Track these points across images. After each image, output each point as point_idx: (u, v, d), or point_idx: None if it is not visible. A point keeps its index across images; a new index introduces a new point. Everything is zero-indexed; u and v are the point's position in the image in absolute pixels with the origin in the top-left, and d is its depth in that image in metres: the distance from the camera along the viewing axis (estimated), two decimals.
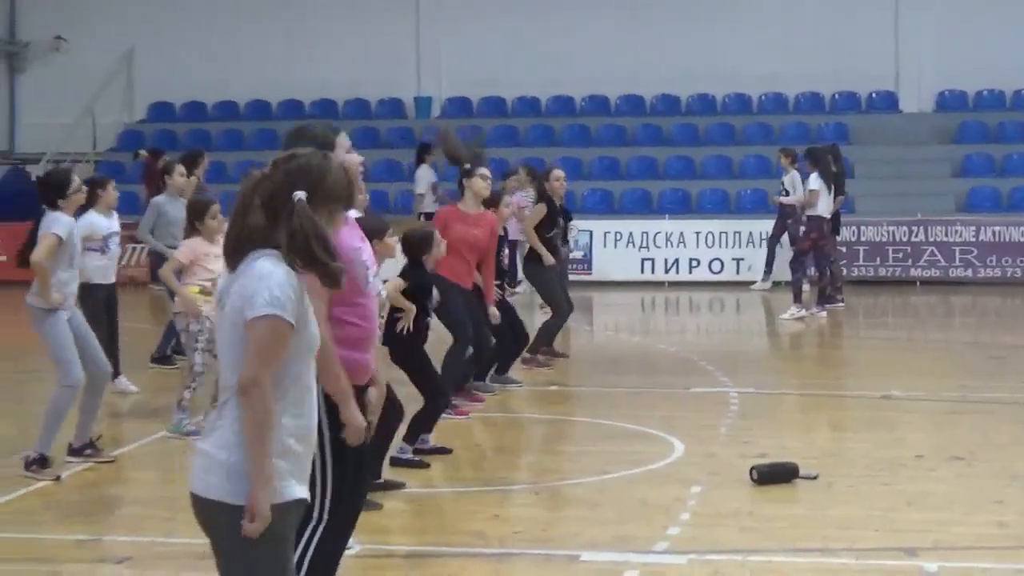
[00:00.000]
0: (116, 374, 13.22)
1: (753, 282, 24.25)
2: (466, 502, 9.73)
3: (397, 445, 10.18)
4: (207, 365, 11.45)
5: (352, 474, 6.47)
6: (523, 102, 30.01)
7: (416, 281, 10.41)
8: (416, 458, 10.50)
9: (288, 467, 4.77)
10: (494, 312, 12.83)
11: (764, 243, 24.38)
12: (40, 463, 10.31)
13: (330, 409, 6.22)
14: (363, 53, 29.68)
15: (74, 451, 10.79)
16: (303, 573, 6.17)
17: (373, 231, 7.79)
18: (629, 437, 11.71)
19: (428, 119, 29.72)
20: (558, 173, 15.50)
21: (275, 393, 4.72)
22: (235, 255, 4.83)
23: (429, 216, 22.17)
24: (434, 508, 9.61)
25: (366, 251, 6.75)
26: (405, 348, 10.24)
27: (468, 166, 12.49)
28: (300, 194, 4.79)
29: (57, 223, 10.43)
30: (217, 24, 30.12)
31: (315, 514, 6.28)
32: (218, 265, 11.50)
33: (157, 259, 14.92)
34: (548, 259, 15.00)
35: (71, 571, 8.10)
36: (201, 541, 8.40)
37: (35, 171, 28.10)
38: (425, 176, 24.92)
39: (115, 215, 13.11)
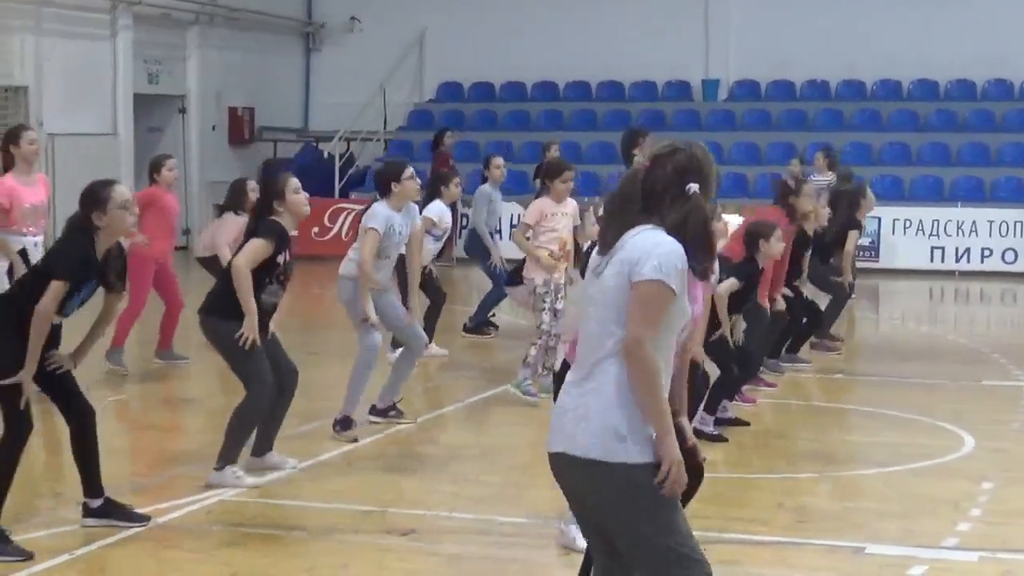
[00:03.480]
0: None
1: None
2: (749, 488, 9.66)
3: (698, 416, 10.40)
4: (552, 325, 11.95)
5: None
6: (813, 86, 29.52)
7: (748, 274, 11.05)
8: (716, 432, 10.79)
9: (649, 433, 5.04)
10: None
11: None
12: (343, 424, 10.84)
13: None
14: (651, 35, 29.54)
15: (378, 411, 11.33)
16: None
17: None
18: (916, 429, 11.47)
19: (715, 102, 29.52)
20: (872, 198, 15.49)
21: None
22: (612, 238, 5.12)
23: None
24: (716, 493, 9.50)
25: None
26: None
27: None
28: (694, 186, 5.07)
29: (374, 218, 10.76)
30: (506, 5, 30.34)
31: None
32: (561, 223, 11.91)
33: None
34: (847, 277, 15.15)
35: (357, 542, 8.23)
36: (479, 517, 8.57)
37: (327, 148, 28.82)
38: None
39: None
